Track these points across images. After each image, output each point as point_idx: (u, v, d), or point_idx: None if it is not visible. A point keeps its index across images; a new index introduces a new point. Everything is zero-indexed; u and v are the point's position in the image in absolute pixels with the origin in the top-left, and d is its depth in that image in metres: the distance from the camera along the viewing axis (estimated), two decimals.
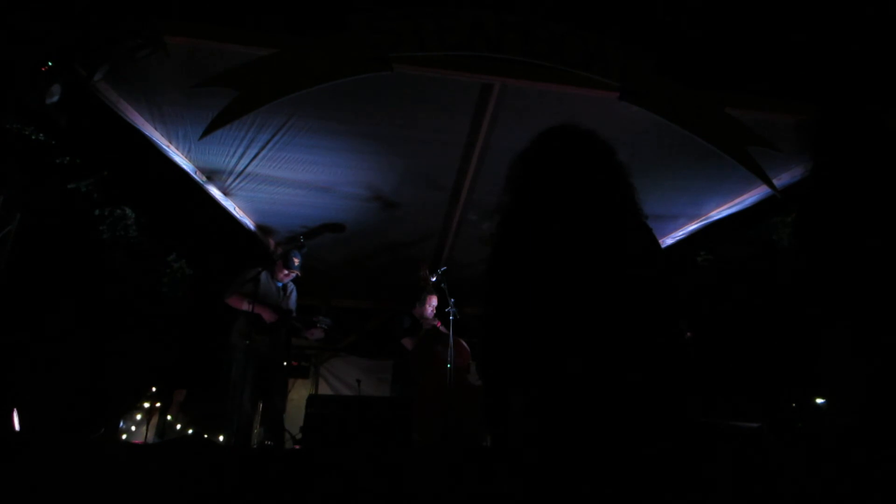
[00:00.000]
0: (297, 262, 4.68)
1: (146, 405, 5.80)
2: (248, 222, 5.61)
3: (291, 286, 4.83)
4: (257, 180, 4.84)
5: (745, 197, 5.04)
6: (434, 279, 4.92)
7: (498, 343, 1.39)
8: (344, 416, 3.31)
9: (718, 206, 5.29)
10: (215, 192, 4.97)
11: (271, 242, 6.09)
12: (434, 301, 5.22)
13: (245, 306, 4.26)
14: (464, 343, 4.95)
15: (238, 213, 5.41)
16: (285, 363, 4.85)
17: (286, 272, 4.68)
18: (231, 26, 3.48)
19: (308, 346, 7.26)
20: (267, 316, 4.28)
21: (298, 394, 6.91)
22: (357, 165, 4.69)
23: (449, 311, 4.62)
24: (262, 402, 4.37)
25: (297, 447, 4.15)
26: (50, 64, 3.31)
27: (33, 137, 5.43)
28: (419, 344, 4.91)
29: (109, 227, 7.60)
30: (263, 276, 4.58)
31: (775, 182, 4.27)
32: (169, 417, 5.91)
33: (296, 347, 6.96)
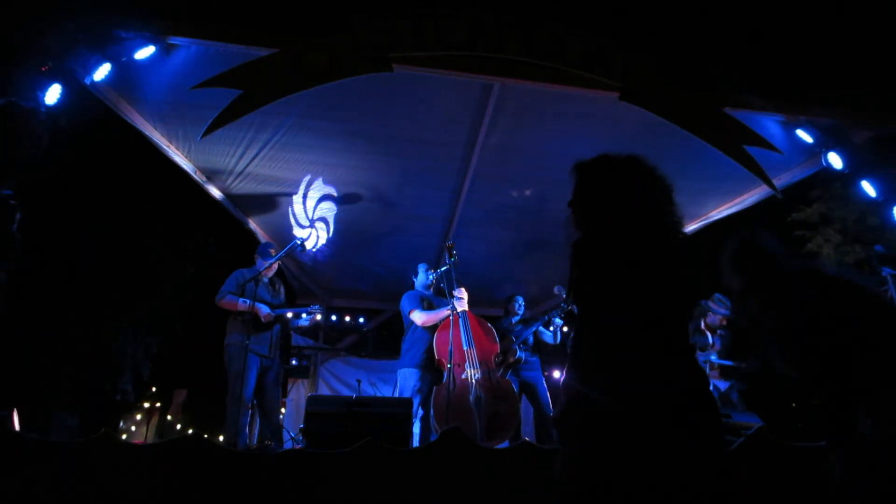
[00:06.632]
0: (273, 252, 4.53)
1: (146, 405, 5.80)
2: (248, 221, 5.60)
3: (278, 281, 4.73)
4: (257, 180, 4.84)
5: (745, 197, 5.05)
6: (445, 268, 4.59)
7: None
8: (344, 415, 3.30)
9: (718, 206, 5.29)
10: (215, 192, 4.97)
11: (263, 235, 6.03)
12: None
13: (240, 307, 4.21)
14: (489, 326, 4.54)
15: (238, 213, 5.41)
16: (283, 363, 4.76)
17: (266, 265, 4.50)
18: (231, 26, 3.48)
19: (307, 346, 7.27)
20: (262, 315, 4.23)
21: (298, 394, 6.90)
22: (357, 165, 4.69)
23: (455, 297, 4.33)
24: (263, 401, 4.34)
25: (298, 447, 4.14)
26: (50, 64, 3.31)
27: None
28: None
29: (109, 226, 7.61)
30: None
31: (775, 182, 4.28)
32: (169, 417, 5.91)
33: (295, 347, 6.95)
